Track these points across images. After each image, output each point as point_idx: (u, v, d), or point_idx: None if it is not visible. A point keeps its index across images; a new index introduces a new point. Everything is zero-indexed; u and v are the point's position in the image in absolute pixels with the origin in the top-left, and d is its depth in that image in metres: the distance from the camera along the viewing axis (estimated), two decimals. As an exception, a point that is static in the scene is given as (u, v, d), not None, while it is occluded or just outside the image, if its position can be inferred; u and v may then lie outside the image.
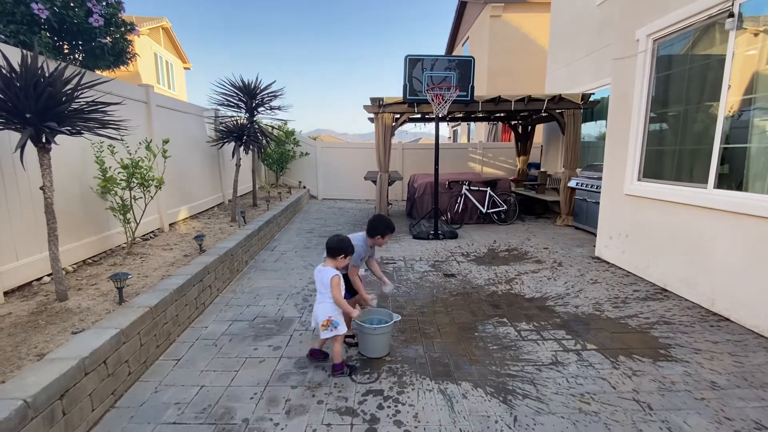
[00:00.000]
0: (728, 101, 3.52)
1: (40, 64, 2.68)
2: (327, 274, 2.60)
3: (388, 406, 2.31)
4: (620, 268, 4.85)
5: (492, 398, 2.37)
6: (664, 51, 4.36)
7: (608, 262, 5.11)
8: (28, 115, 2.60)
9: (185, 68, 20.95)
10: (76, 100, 2.90)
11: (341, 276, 2.65)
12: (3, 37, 3.54)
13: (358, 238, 2.98)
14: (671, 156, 4.31)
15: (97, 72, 4.43)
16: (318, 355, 2.77)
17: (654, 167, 4.52)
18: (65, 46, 4.09)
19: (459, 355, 2.86)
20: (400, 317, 2.97)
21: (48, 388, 1.84)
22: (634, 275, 4.59)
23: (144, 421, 2.18)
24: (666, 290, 4.11)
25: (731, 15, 3.41)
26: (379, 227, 2.97)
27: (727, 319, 3.41)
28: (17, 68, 2.60)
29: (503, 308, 3.70)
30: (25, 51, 2.74)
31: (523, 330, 3.25)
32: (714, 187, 3.64)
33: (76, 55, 4.22)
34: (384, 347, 2.85)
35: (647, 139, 4.59)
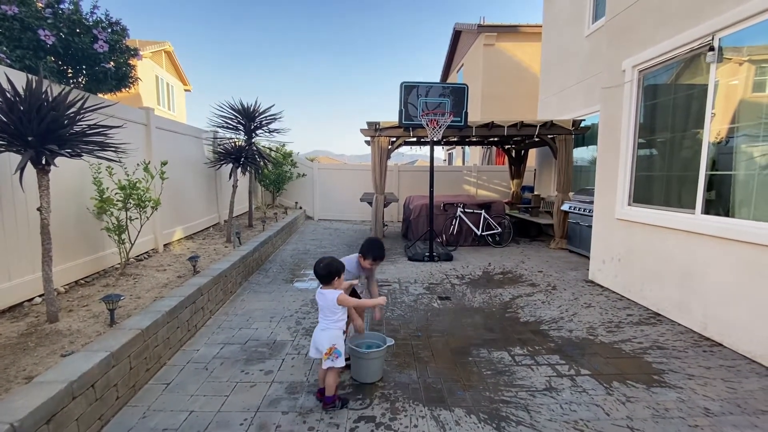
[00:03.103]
0: (712, 129, 3.65)
1: (44, 89, 2.75)
2: (330, 295, 2.47)
3: (380, 433, 2.27)
4: (614, 292, 4.87)
5: (485, 425, 2.35)
6: (650, 81, 4.53)
7: (602, 286, 5.14)
8: (29, 138, 2.65)
9: (186, 90, 21.32)
10: (78, 123, 2.96)
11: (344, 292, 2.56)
12: (9, 61, 3.63)
13: (350, 260, 3.00)
14: (660, 182, 4.41)
15: (100, 95, 4.52)
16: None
17: (644, 192, 4.62)
18: (69, 71, 4.18)
19: (453, 381, 2.84)
20: (393, 341, 2.96)
21: (35, 412, 1.82)
22: (628, 299, 4.61)
23: (131, 447, 2.13)
24: (659, 314, 4.12)
25: (712, 49, 3.58)
26: (371, 250, 2.98)
27: (720, 344, 3.42)
28: (21, 92, 2.67)
29: (497, 332, 3.70)
30: (30, 75, 2.82)
31: (517, 355, 3.24)
32: (702, 213, 3.72)
33: (80, 79, 4.31)
34: (377, 372, 2.82)
35: (636, 164, 4.70)
